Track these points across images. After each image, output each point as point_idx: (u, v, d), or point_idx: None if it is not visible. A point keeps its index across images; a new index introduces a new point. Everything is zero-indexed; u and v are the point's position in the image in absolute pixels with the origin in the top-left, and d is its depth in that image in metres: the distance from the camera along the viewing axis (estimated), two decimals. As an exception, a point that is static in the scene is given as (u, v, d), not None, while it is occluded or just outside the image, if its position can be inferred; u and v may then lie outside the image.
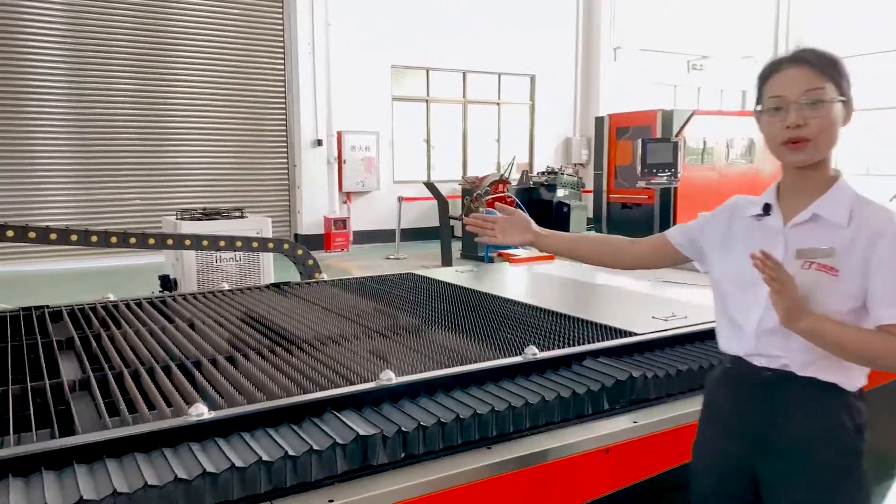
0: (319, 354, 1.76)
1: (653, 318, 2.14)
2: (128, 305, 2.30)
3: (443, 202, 8.11)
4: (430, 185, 8.70)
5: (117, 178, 10.46)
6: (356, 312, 2.22)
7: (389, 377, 1.51)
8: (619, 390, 1.65)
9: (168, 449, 1.24)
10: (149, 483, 1.10)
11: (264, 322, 2.11)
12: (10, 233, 2.45)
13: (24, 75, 9.74)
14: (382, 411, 1.43)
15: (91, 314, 2.18)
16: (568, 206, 10.40)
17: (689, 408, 1.71)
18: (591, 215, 11.79)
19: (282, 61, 11.60)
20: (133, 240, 2.76)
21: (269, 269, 4.27)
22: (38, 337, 1.90)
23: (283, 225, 11.69)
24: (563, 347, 1.82)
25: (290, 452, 1.23)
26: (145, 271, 5.92)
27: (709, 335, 2.02)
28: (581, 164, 14.27)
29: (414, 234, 12.00)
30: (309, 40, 11.37)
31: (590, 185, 12.56)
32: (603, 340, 1.89)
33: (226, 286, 2.63)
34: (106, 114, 10.34)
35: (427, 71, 13.11)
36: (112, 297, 2.37)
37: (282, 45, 11.55)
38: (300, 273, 3.22)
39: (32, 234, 2.49)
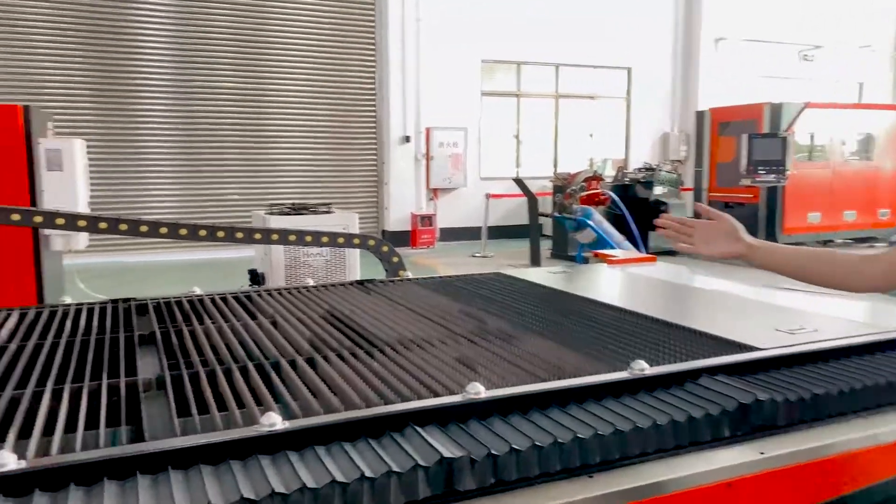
0: (402, 359, 1.63)
1: (776, 330, 1.88)
2: (213, 300, 2.26)
3: (532, 199, 7.90)
4: (519, 182, 8.50)
5: (218, 174, 10.89)
6: (441, 314, 2.09)
7: (478, 391, 1.35)
8: (742, 415, 1.43)
9: (237, 462, 1.13)
10: (212, 502, 0.99)
11: (346, 321, 2.01)
12: (102, 224, 2.49)
13: (135, 77, 10.27)
14: (470, 429, 1.28)
15: (176, 308, 2.14)
16: (666, 204, 9.94)
17: (825, 439, 1.46)
18: (690, 214, 11.24)
19: (373, 58, 11.69)
20: (221, 234, 2.75)
21: (356, 265, 4.22)
22: (122, 331, 1.87)
23: (371, 221, 11.81)
24: (675, 362, 1.60)
25: (368, 473, 1.10)
26: (237, 265, 6.04)
27: (845, 353, 1.76)
28: (679, 161, 13.64)
29: (501, 232, 11.83)
30: (399, 36, 11.41)
31: (689, 183, 11.98)
32: (720, 355, 1.66)
33: (310, 282, 2.56)
34: (209, 113, 10.76)
35: (518, 65, 12.89)
36: (198, 291, 2.34)
37: (373, 41, 11.65)
38: (385, 270, 3.13)
39: (124, 227, 2.51)
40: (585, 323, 2.00)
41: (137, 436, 1.23)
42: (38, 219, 2.41)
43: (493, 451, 1.18)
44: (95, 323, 1.97)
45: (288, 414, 1.31)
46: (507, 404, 1.36)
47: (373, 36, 11.45)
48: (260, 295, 2.36)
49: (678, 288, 2.66)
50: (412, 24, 11.41)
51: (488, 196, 10.83)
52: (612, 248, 3.68)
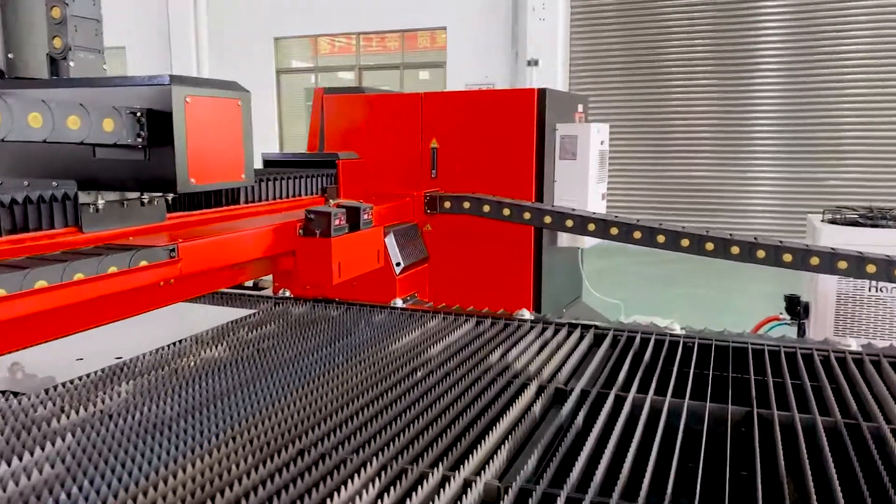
0: None
1: None
2: (695, 345, 1.65)
3: None
4: None
5: (821, 158, 9.85)
6: None
7: None
8: None
9: None
10: None
11: (882, 444, 1.14)
12: (591, 226, 2.14)
13: (748, 47, 9.99)
14: None
15: (652, 349, 1.63)
16: None
17: None
18: None
19: None
20: (735, 249, 2.07)
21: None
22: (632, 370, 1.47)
23: None
24: None
25: None
26: (780, 275, 5.01)
27: None
28: None
29: None
30: None
31: None
32: None
33: (853, 344, 1.67)
34: (830, 81, 9.70)
35: None
36: (677, 329, 1.76)
37: None
38: None
39: (614, 230, 2.10)
40: None
41: None
42: (527, 215, 2.24)
43: None
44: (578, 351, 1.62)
45: None
46: None
47: None
48: (796, 353, 1.61)
49: None
50: None
51: None
52: None
